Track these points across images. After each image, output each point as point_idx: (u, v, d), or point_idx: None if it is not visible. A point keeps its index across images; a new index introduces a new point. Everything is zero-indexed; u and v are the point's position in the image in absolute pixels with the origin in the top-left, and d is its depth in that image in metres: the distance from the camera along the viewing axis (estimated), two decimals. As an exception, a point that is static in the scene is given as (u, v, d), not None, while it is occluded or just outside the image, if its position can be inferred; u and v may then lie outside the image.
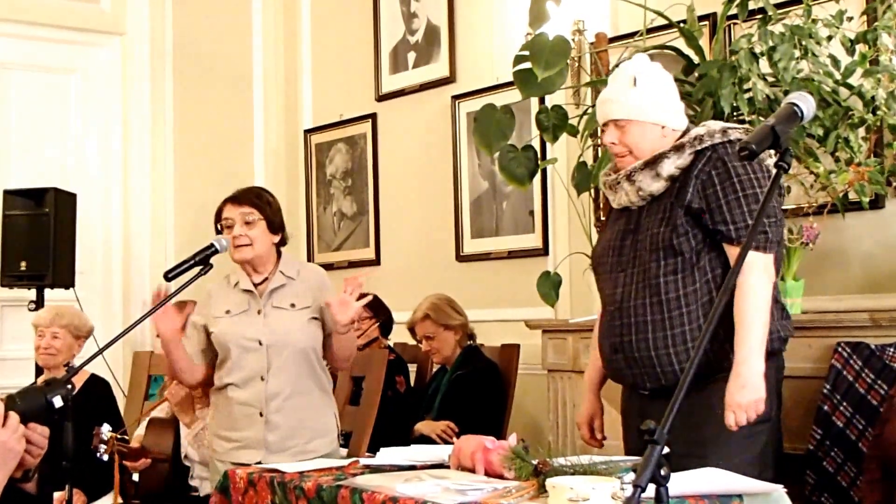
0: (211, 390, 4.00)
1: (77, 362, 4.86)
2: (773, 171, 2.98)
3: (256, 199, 3.94)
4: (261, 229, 3.89)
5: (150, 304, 3.74)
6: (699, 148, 3.09)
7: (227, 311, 3.89)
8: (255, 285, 3.92)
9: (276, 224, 3.94)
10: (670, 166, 3.11)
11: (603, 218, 4.70)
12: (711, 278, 3.06)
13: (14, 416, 2.28)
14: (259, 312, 3.88)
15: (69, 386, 3.17)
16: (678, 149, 3.11)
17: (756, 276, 2.97)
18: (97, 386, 4.85)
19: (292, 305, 3.91)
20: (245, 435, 3.85)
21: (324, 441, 3.95)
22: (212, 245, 3.74)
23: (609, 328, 3.23)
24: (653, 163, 3.13)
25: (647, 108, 3.14)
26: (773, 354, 3.06)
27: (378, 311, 5.47)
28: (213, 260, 3.67)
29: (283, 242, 4.00)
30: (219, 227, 3.91)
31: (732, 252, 3.02)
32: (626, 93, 3.16)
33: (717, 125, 3.15)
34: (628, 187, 3.19)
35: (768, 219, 3.00)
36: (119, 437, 4.28)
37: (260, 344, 3.84)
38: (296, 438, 3.86)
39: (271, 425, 3.83)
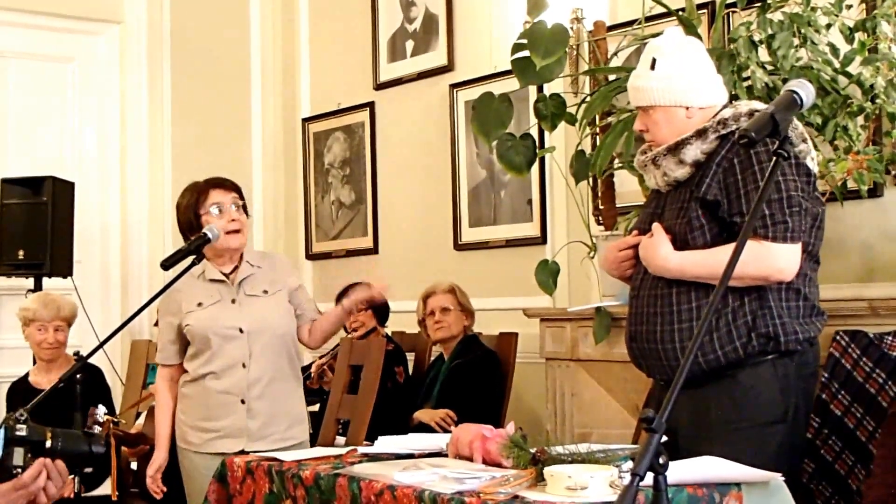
0: (181, 382, 3.98)
1: (68, 349, 4.88)
2: (805, 159, 2.98)
3: (238, 187, 3.98)
4: (245, 216, 3.93)
5: None
6: (723, 133, 2.97)
7: (200, 304, 3.88)
8: (225, 275, 3.92)
9: (247, 213, 4.00)
10: (695, 151, 2.99)
11: (602, 206, 4.70)
12: None
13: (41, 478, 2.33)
14: (233, 301, 3.88)
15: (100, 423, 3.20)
16: (701, 133, 2.99)
17: (765, 261, 2.86)
18: (89, 372, 4.83)
19: (265, 292, 3.93)
20: (225, 424, 3.85)
21: (300, 428, 4.00)
22: (204, 234, 3.73)
23: (629, 316, 3.17)
24: (675, 148, 3.02)
25: (666, 92, 3.02)
26: (788, 354, 2.96)
27: (375, 302, 5.46)
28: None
29: None
30: (200, 211, 3.87)
31: (750, 245, 2.82)
32: (646, 77, 3.06)
33: (745, 106, 3.02)
34: (655, 171, 3.09)
35: (790, 208, 2.88)
36: (114, 421, 4.27)
37: (241, 331, 3.85)
38: (276, 425, 3.89)
39: (252, 412, 3.85)
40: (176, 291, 3.83)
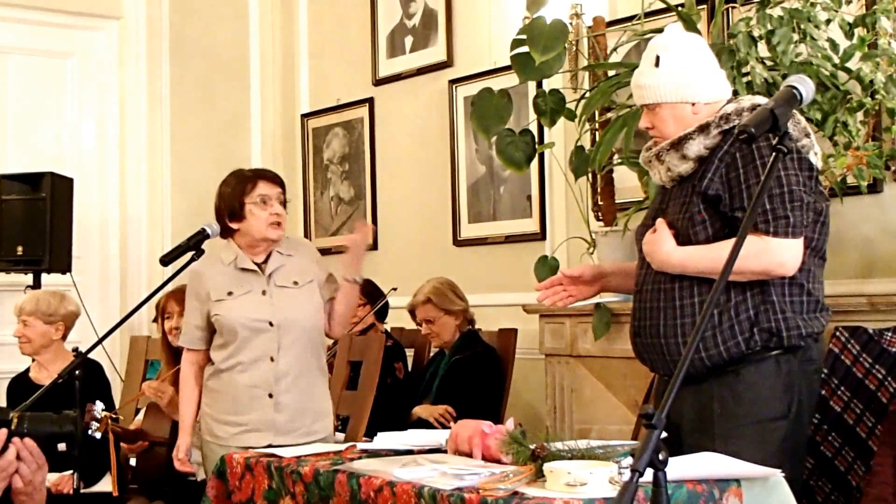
0: (206, 375, 3.98)
1: (67, 345, 4.86)
2: (808, 154, 2.98)
3: (283, 182, 4.02)
4: (284, 211, 3.95)
5: None
6: (726, 127, 2.96)
7: (230, 293, 3.87)
8: (257, 265, 3.91)
9: (285, 207, 4.01)
10: (698, 147, 2.98)
11: (601, 202, 4.70)
12: None
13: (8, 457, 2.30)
14: (264, 293, 3.87)
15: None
16: (703, 128, 2.98)
17: (766, 255, 2.85)
18: (89, 368, 4.81)
19: (295, 283, 3.91)
20: (252, 418, 3.84)
21: (325, 423, 3.98)
22: (203, 230, 3.74)
23: (632, 311, 3.17)
24: (678, 143, 3.00)
25: (672, 88, 3.01)
26: (792, 350, 2.95)
27: (373, 297, 5.46)
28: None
29: None
30: (245, 199, 3.86)
31: (751, 240, 2.82)
32: (650, 75, 3.04)
33: (747, 101, 3.01)
34: (659, 167, 3.07)
35: (791, 203, 2.86)
36: (113, 417, 4.26)
37: (270, 325, 3.83)
38: (302, 419, 3.87)
39: (280, 406, 3.83)
40: (205, 277, 3.85)
